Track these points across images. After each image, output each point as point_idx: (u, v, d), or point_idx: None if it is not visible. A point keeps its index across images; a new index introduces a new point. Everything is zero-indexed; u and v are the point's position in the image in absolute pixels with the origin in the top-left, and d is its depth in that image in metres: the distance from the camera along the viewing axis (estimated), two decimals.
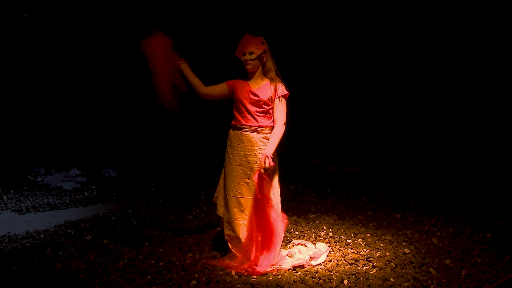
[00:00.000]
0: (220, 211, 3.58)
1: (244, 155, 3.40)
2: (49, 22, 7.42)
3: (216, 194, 3.66)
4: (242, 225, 3.40)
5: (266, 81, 3.43)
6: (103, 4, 7.37)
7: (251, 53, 3.35)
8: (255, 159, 3.38)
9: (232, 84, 3.48)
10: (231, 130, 3.49)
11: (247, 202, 3.39)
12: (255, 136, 3.39)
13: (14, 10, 7.13)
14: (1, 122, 7.33)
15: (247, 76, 3.50)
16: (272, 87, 3.38)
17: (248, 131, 3.41)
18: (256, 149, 3.39)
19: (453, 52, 6.47)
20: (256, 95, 3.37)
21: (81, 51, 7.70)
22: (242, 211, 3.40)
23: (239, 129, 3.43)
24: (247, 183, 3.40)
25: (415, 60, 6.78)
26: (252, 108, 3.39)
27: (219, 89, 3.49)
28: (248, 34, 3.42)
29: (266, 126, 3.42)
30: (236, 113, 3.47)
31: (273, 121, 3.43)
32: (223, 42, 6.89)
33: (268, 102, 3.39)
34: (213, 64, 6.94)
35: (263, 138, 3.41)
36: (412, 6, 6.53)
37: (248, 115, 3.40)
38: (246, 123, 3.41)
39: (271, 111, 3.42)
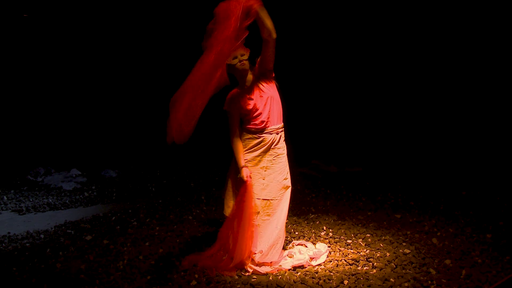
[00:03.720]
0: (227, 211, 3.58)
1: (259, 155, 3.41)
2: (49, 22, 7.42)
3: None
4: (257, 226, 3.40)
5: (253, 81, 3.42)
6: (103, 4, 7.38)
7: (242, 55, 3.32)
8: (270, 158, 3.40)
9: (232, 108, 3.41)
10: (245, 133, 3.44)
11: (262, 203, 3.40)
12: (271, 137, 3.40)
13: (14, 10, 7.13)
14: (1, 122, 7.34)
15: (238, 85, 3.45)
16: (264, 79, 3.39)
17: (265, 133, 3.40)
18: (272, 148, 3.41)
19: (453, 52, 6.47)
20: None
21: (81, 51, 7.70)
22: (258, 212, 3.40)
23: (255, 133, 3.41)
24: (262, 184, 3.41)
25: (415, 60, 6.78)
26: (262, 112, 3.38)
27: (236, 124, 3.45)
28: None
29: (280, 124, 3.44)
30: (247, 119, 3.42)
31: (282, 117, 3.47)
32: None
33: (272, 96, 3.39)
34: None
35: (279, 138, 3.45)
36: (412, 6, 6.53)
37: (260, 119, 3.38)
38: (261, 126, 3.39)
39: (280, 108, 3.44)
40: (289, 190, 3.53)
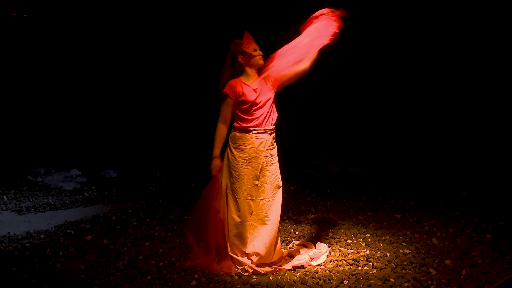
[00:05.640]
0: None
1: (255, 157, 3.38)
2: (49, 22, 7.42)
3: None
4: (250, 225, 3.41)
5: (258, 78, 3.44)
6: (103, 4, 7.38)
7: (256, 50, 3.41)
8: (265, 159, 3.39)
9: (233, 94, 3.37)
10: (237, 133, 3.41)
11: (255, 203, 3.41)
12: (264, 137, 3.40)
13: (14, 10, 7.13)
14: (1, 122, 7.34)
15: (236, 73, 3.47)
16: (269, 82, 3.45)
17: (257, 133, 3.39)
18: (266, 149, 3.40)
19: (453, 52, 6.47)
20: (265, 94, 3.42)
21: (81, 51, 7.70)
22: (251, 213, 3.41)
23: (248, 131, 3.39)
24: (256, 185, 3.40)
25: (415, 60, 6.78)
26: (260, 110, 3.39)
27: (230, 111, 3.41)
28: (247, 32, 3.45)
29: (274, 125, 3.46)
30: (242, 115, 3.40)
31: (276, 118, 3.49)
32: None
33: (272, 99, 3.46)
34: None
35: (272, 139, 3.44)
36: (412, 6, 6.53)
37: (256, 117, 3.39)
38: (255, 125, 3.39)
39: (276, 112, 3.49)
40: (281, 190, 3.51)
